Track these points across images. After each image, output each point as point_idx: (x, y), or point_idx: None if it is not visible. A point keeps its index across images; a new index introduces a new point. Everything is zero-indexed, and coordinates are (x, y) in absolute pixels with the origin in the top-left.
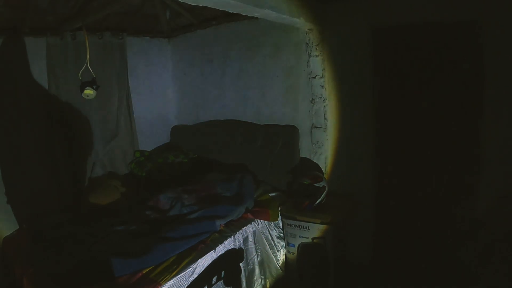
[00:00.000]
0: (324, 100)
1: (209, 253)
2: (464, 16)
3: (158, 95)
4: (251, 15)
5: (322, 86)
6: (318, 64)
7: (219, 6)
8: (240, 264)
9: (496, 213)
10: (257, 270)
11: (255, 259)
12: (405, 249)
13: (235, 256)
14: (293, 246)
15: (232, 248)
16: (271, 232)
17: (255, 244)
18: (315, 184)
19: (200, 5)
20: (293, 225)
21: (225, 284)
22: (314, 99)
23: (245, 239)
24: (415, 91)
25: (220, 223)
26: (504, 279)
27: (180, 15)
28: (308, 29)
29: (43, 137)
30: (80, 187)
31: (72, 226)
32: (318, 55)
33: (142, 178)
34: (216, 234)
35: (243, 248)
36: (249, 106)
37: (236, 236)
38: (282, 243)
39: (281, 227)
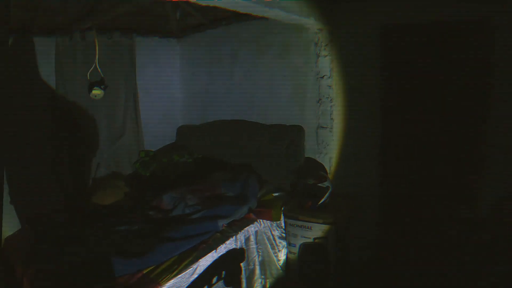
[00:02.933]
0: (331, 100)
1: (210, 253)
2: (473, 15)
3: (166, 94)
4: (261, 15)
5: (330, 86)
6: (326, 64)
7: (230, 6)
8: (241, 264)
9: (498, 213)
10: (257, 270)
11: (256, 259)
12: (408, 249)
13: (236, 256)
14: (295, 246)
15: (233, 248)
16: (273, 232)
17: (256, 244)
18: (319, 184)
19: (211, 5)
20: (295, 225)
21: (226, 284)
22: (321, 99)
23: (247, 239)
24: (422, 91)
25: (222, 223)
26: (504, 279)
27: (190, 15)
28: (318, 29)
29: (49, 137)
30: (83, 187)
31: (75, 226)
32: (326, 55)
33: (146, 178)
34: (218, 234)
35: (245, 248)
36: (256, 106)
37: (238, 236)
38: (284, 243)
39: (284, 227)
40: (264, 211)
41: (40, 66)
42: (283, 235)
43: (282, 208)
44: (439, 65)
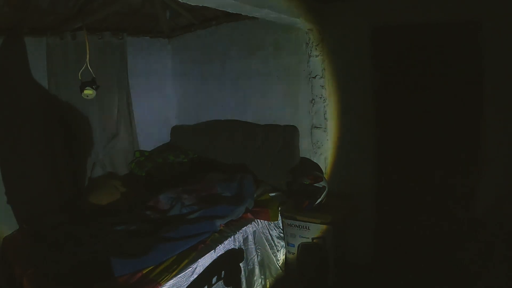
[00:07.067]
0: (324, 100)
1: (209, 253)
2: (464, 16)
3: (158, 95)
4: (251, 15)
5: (322, 86)
6: (318, 64)
7: (219, 6)
8: (240, 264)
9: (496, 213)
10: (257, 270)
11: (255, 259)
12: (405, 249)
13: (235, 256)
14: (293, 246)
15: (232, 248)
16: (271, 232)
17: (255, 244)
18: (315, 184)
19: (200, 5)
20: (293, 225)
21: (225, 284)
22: (314, 99)
23: (245, 239)
24: (415, 90)
25: (220, 223)
26: (504, 279)
27: (180, 15)
28: (308, 29)
29: (43, 137)
30: (80, 187)
31: (72, 226)
32: (318, 55)
33: (142, 178)
34: (216, 234)
35: (243, 248)
36: (249, 106)
37: (236, 236)
38: (282, 243)
39: (281, 227)
40: (261, 211)
41: (31, 66)
42: (281, 235)
43: (279, 208)
44: (432, 65)
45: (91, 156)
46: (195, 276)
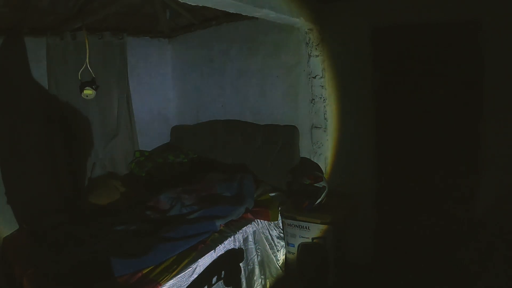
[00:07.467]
0: (324, 100)
1: (209, 253)
2: (464, 16)
3: (158, 95)
4: (251, 15)
5: (322, 86)
6: (318, 64)
7: (219, 6)
8: (240, 264)
9: (496, 213)
10: (257, 270)
11: (255, 259)
12: (405, 249)
13: (235, 256)
14: (293, 246)
15: (232, 248)
16: (271, 232)
17: (255, 244)
18: (315, 184)
19: (200, 5)
20: (293, 225)
21: (225, 284)
22: (314, 99)
23: (245, 239)
24: (415, 90)
25: (220, 223)
26: (504, 279)
27: (180, 15)
28: (308, 29)
29: (43, 137)
30: (80, 187)
31: (72, 226)
32: (318, 55)
33: (142, 178)
34: (216, 234)
35: (243, 248)
36: (249, 106)
37: (236, 236)
38: (282, 243)
39: (281, 227)
40: (261, 211)
41: (31, 66)
42: (281, 235)
43: (279, 208)
44: (432, 65)
45: (91, 156)
46: (195, 276)
